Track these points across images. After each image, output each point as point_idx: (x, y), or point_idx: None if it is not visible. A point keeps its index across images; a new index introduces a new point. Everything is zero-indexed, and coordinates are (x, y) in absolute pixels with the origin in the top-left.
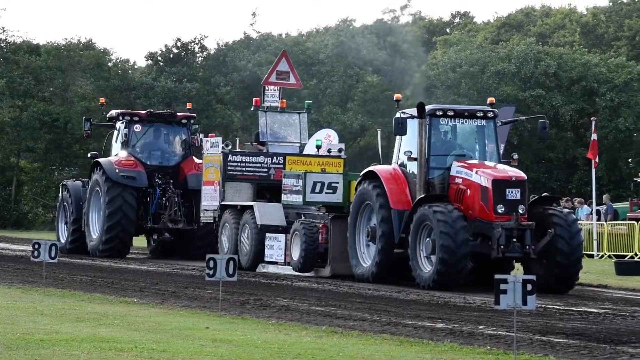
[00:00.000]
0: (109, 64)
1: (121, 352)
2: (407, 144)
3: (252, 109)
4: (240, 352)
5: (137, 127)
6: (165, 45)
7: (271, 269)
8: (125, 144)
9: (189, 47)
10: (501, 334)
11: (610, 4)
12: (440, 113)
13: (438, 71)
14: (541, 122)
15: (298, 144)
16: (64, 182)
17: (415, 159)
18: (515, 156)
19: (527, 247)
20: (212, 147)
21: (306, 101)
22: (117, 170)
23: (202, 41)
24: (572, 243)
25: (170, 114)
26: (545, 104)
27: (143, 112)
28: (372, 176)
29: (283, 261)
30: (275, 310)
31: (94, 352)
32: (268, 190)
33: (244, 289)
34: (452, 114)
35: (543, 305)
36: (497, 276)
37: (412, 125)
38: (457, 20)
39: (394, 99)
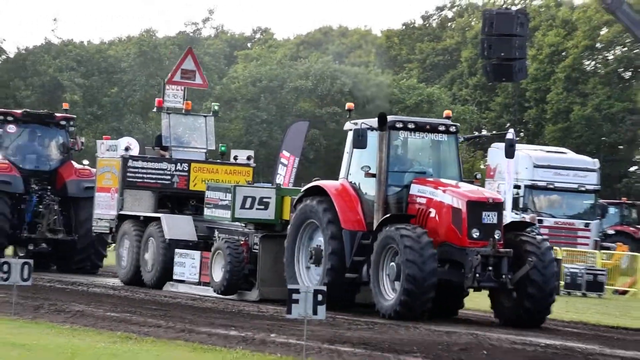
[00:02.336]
0: None
1: None
2: (362, 158)
3: (154, 109)
4: (32, 356)
5: (11, 128)
6: None
7: (182, 288)
8: None
9: None
10: (292, 342)
11: (404, 27)
12: (401, 125)
13: (239, 85)
14: (509, 139)
15: (204, 150)
16: None
17: (373, 175)
18: (479, 176)
19: (504, 276)
20: (109, 150)
21: (213, 104)
22: None
23: (0, 44)
24: (545, 273)
25: (47, 114)
26: (340, 121)
27: (18, 111)
28: (317, 192)
29: (197, 280)
30: (69, 315)
31: None
32: (170, 200)
33: (38, 293)
34: (413, 127)
35: (332, 316)
36: (289, 286)
37: (370, 138)
38: (258, 35)
39: (346, 108)
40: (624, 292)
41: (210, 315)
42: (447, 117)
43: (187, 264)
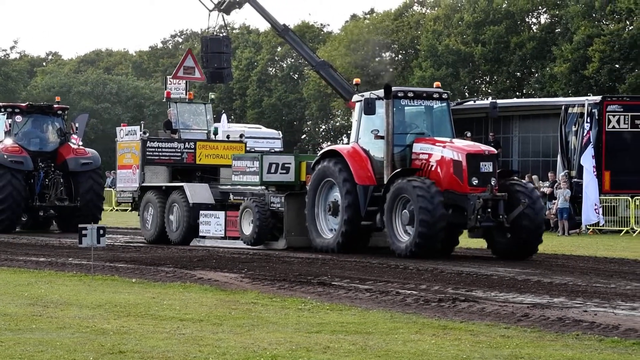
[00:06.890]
0: None
1: None
2: (369, 124)
3: (164, 99)
4: None
5: (19, 118)
6: None
7: (207, 242)
8: (8, 133)
9: None
10: (84, 263)
11: (150, 49)
12: (402, 94)
13: (39, 90)
14: (492, 102)
15: (205, 131)
16: None
17: (382, 137)
18: (469, 134)
19: (501, 216)
20: (128, 135)
21: (210, 93)
22: (5, 156)
23: None
24: (535, 208)
25: (47, 105)
26: (111, 112)
27: (23, 104)
28: (332, 154)
29: (223, 235)
30: None
31: None
32: (181, 173)
33: None
34: (412, 95)
35: (111, 244)
36: (80, 225)
37: (377, 106)
38: (50, 57)
39: (354, 83)
40: None
41: (26, 249)
42: (438, 87)
43: (212, 223)
